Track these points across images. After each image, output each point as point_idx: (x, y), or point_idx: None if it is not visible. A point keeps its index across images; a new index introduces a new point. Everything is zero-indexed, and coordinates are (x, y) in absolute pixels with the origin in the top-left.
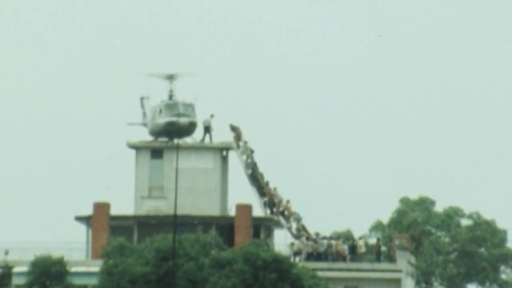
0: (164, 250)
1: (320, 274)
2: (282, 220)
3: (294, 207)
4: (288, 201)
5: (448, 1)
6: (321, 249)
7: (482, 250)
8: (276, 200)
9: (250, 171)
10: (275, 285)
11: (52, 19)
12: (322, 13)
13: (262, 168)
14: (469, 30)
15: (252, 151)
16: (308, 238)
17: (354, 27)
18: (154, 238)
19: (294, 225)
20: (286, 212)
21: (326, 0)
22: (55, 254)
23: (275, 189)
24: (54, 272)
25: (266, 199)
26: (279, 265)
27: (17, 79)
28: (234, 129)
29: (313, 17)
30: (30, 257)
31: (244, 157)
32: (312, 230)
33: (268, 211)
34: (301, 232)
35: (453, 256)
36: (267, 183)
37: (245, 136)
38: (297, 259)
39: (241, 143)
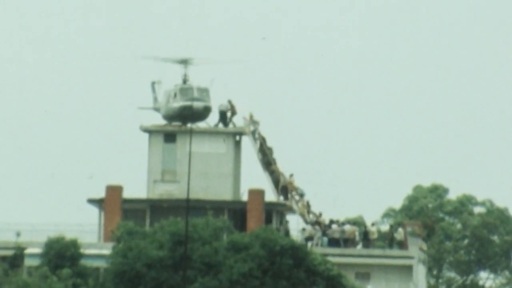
0: (179, 234)
1: (332, 259)
2: (294, 205)
3: (308, 194)
4: (291, 175)
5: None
6: (333, 235)
7: (494, 237)
8: (281, 179)
9: (258, 146)
10: (291, 271)
11: (63, 3)
12: (341, 3)
13: (275, 155)
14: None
15: (264, 140)
16: (319, 223)
17: (371, 17)
18: (163, 222)
19: (297, 203)
20: (289, 187)
21: None
22: (68, 236)
23: (275, 164)
24: (68, 254)
25: (272, 170)
26: (296, 251)
27: (31, 63)
28: (253, 122)
29: (333, 7)
30: (42, 238)
31: (254, 137)
32: (325, 216)
33: (282, 197)
34: (306, 211)
35: (464, 243)
36: (274, 161)
37: (259, 122)
38: (309, 244)
39: (252, 128)
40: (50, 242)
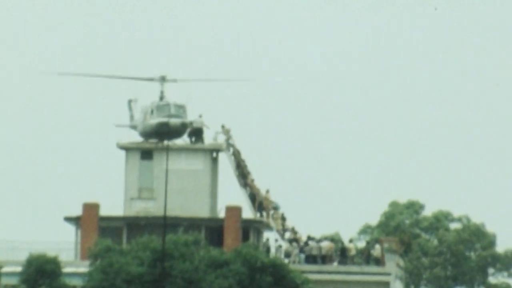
0: (159, 250)
1: (309, 276)
2: (271, 222)
3: (284, 210)
4: (267, 191)
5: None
6: (311, 252)
7: (470, 253)
8: (256, 192)
9: (234, 161)
10: None
11: (39, 17)
12: (315, 12)
13: (251, 170)
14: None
15: (239, 153)
16: (296, 240)
17: (347, 29)
18: (139, 240)
19: (274, 220)
20: (264, 203)
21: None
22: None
23: (252, 181)
24: (48, 271)
25: (248, 187)
26: (277, 269)
27: (7, 79)
28: (226, 131)
29: (304, 17)
30: (19, 257)
31: (231, 153)
32: (301, 232)
33: (258, 214)
34: (281, 224)
35: (441, 258)
36: (252, 179)
37: (234, 137)
38: (286, 261)
39: (229, 142)
40: (30, 259)
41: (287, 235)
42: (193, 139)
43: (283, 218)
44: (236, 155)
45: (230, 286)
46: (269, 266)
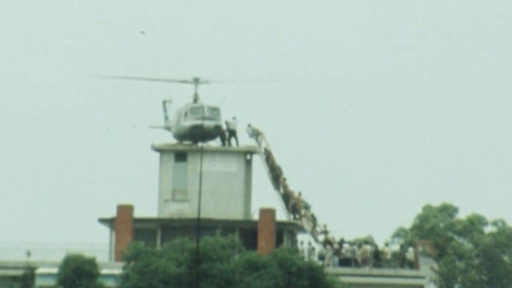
0: (199, 251)
1: (343, 279)
2: (305, 224)
3: (317, 213)
4: (300, 193)
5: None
6: (346, 255)
7: (505, 257)
8: (289, 194)
9: (267, 162)
10: None
11: (77, 21)
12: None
13: (284, 172)
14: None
15: (270, 152)
16: (330, 243)
17: (372, 30)
18: (172, 241)
19: (308, 223)
20: (297, 205)
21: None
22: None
23: (285, 180)
24: (86, 272)
25: (281, 189)
26: (313, 273)
27: (46, 78)
28: (257, 134)
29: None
30: (53, 258)
31: (264, 156)
32: (333, 233)
33: (291, 217)
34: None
35: (476, 262)
36: (284, 178)
37: (268, 139)
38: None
39: (263, 145)
40: (68, 259)
41: (319, 235)
42: (226, 141)
43: (314, 218)
44: (269, 156)
45: (268, 287)
46: (305, 270)
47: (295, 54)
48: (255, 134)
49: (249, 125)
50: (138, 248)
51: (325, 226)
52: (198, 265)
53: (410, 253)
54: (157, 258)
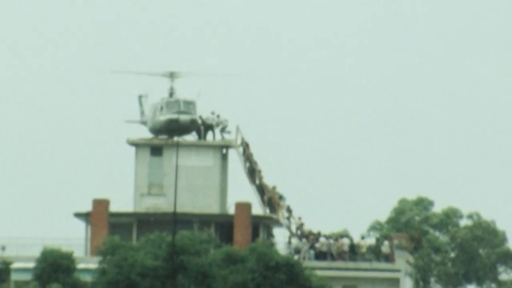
0: (176, 245)
1: (319, 273)
2: (281, 218)
3: (293, 207)
4: (274, 187)
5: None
6: (322, 249)
7: (481, 250)
8: (265, 187)
9: (244, 155)
10: (284, 287)
11: (51, 16)
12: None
13: (260, 166)
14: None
15: (247, 145)
16: (306, 236)
17: (360, 31)
18: (149, 236)
19: (284, 217)
20: (273, 198)
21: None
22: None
23: (260, 172)
24: (63, 267)
25: (257, 183)
26: (291, 268)
27: (15, 77)
28: (246, 145)
29: (315, 17)
30: (29, 253)
31: (241, 147)
32: (307, 225)
33: (267, 210)
34: (290, 219)
35: (452, 255)
36: (259, 171)
37: (244, 134)
38: (295, 257)
39: (239, 137)
40: (45, 253)
41: (293, 227)
42: (202, 135)
43: (289, 210)
44: (246, 149)
45: (244, 282)
46: (283, 265)
47: (271, 48)
48: (221, 124)
49: (213, 113)
50: (114, 242)
51: (299, 218)
52: (175, 258)
53: (385, 247)
54: (134, 252)
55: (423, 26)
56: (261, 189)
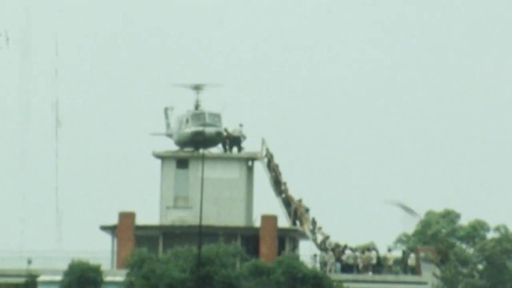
0: (203, 256)
1: (345, 285)
2: (307, 231)
3: (319, 220)
4: (300, 200)
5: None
6: (348, 261)
7: (509, 263)
8: (290, 199)
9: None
10: None
11: (78, 28)
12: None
13: (285, 179)
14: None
15: (272, 156)
16: (333, 249)
17: (382, 37)
18: (175, 248)
19: (310, 230)
20: (298, 211)
21: (358, 9)
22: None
23: (285, 184)
24: (90, 279)
25: (283, 195)
26: (318, 280)
27: (43, 85)
28: (271, 156)
29: (342, 27)
30: (55, 266)
31: (266, 159)
32: (333, 238)
33: (293, 223)
34: (312, 228)
35: (479, 267)
36: (284, 183)
37: (270, 146)
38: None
39: (264, 148)
40: (72, 266)
41: (319, 239)
42: (228, 147)
43: (314, 222)
44: (271, 160)
45: None
46: (310, 277)
47: (297, 60)
48: (242, 135)
49: (241, 125)
50: (142, 255)
51: (320, 228)
52: (200, 269)
53: (412, 259)
54: (162, 264)
55: (428, 29)
56: (287, 202)
